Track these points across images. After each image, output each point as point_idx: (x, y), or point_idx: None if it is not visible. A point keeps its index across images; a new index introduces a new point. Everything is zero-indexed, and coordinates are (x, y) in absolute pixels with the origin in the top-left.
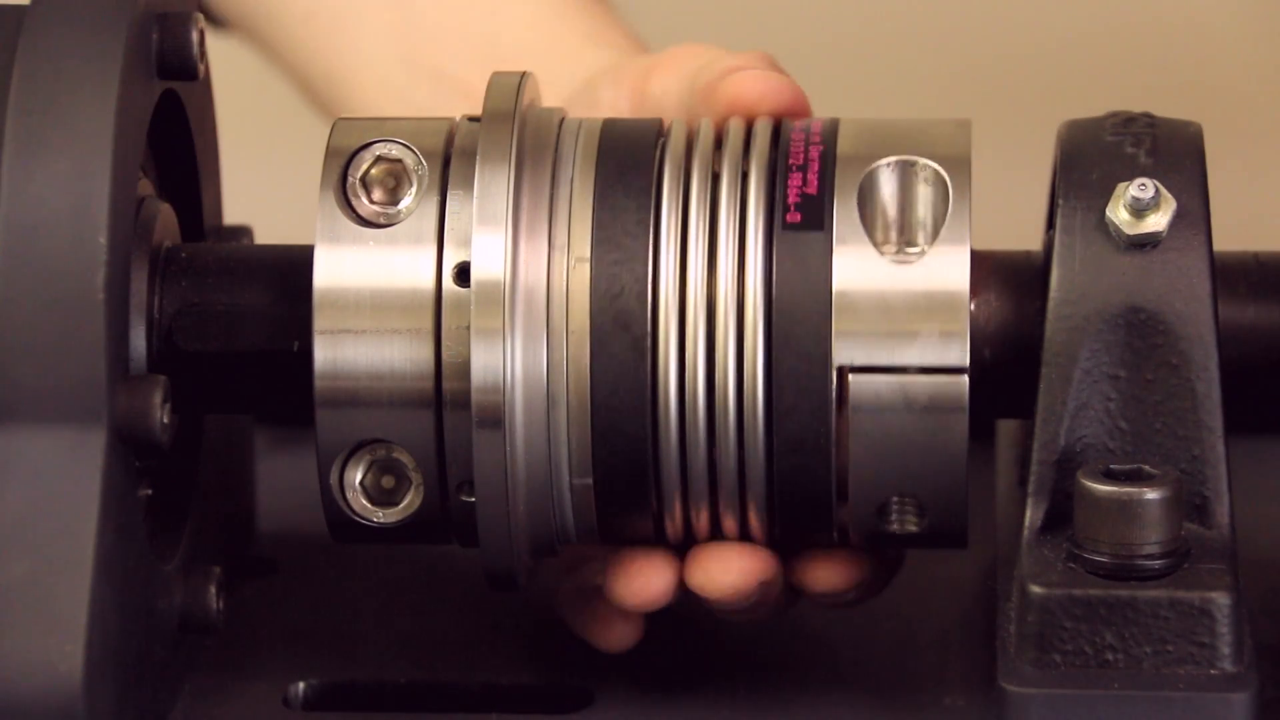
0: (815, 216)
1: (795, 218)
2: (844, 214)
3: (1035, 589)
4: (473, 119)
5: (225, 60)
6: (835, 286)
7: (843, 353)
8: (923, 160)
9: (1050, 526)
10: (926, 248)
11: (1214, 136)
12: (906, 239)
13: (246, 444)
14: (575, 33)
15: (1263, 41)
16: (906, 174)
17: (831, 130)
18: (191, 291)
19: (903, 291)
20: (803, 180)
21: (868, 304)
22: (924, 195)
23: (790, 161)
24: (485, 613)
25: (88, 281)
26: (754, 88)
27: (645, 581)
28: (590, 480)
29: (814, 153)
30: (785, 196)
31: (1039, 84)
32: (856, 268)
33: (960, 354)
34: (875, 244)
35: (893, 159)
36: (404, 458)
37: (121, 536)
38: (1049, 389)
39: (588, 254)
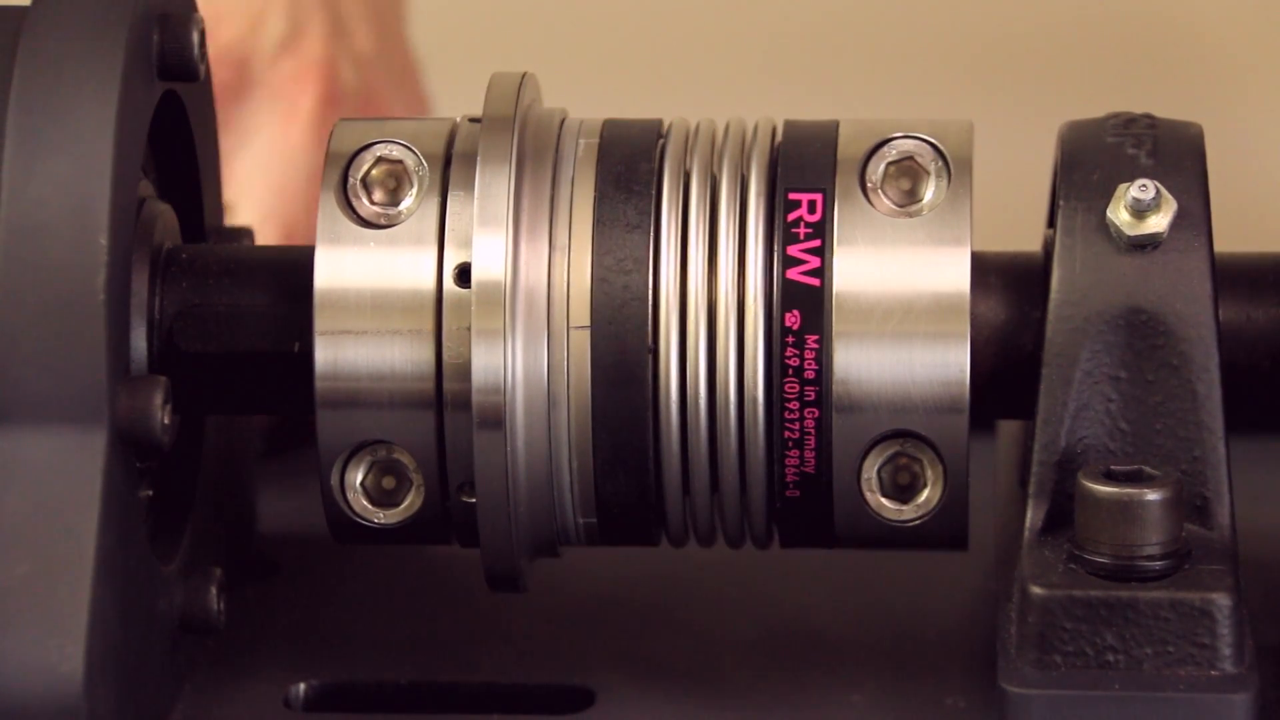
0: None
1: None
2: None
3: (1036, 590)
4: (473, 119)
5: None
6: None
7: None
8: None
9: (1051, 527)
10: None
11: (1214, 137)
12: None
13: (247, 445)
14: None
15: (1263, 41)
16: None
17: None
18: (192, 292)
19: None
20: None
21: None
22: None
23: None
24: (486, 613)
25: (88, 282)
26: None
27: None
28: (591, 481)
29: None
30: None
31: (1039, 84)
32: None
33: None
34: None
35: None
36: (405, 458)
37: (122, 537)
38: (1049, 390)
39: (588, 255)
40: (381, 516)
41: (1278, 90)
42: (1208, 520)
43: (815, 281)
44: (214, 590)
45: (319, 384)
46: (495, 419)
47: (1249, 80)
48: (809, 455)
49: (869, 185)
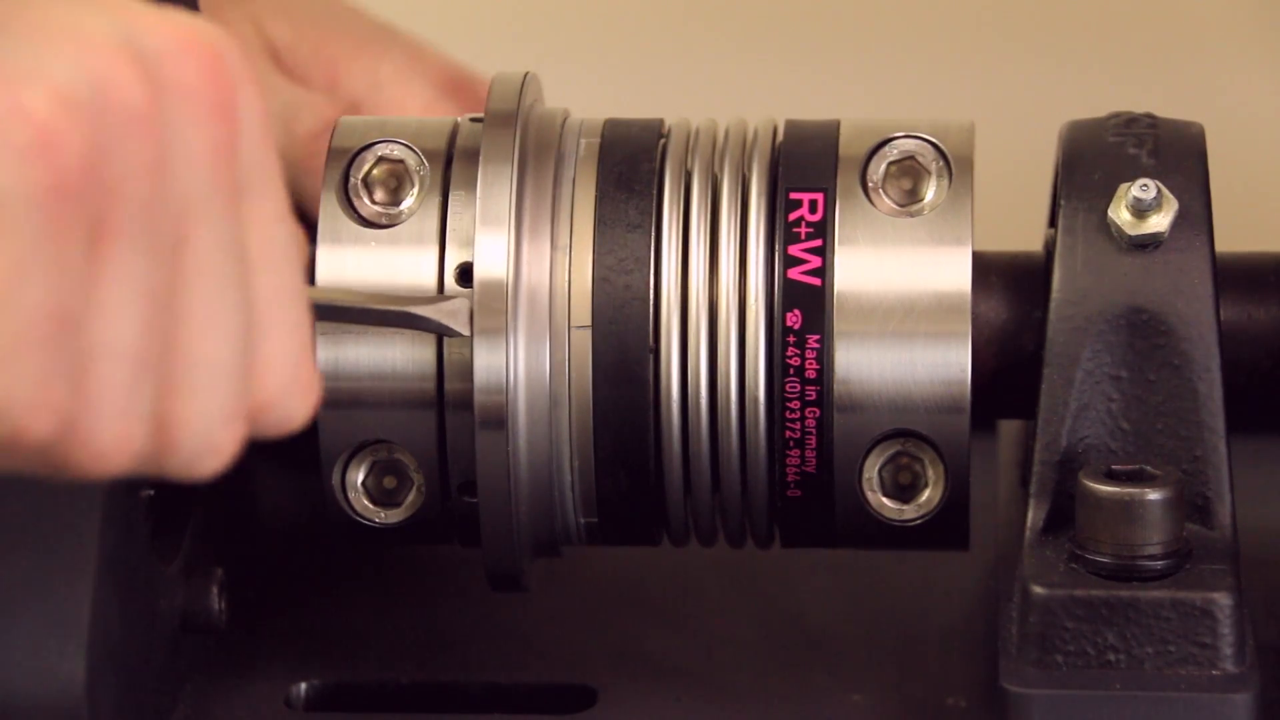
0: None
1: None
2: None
3: (1037, 589)
4: (475, 119)
5: None
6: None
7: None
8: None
9: (1052, 527)
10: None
11: (1215, 137)
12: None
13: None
14: None
15: (1263, 40)
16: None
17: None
18: None
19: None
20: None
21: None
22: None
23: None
24: (487, 612)
25: None
26: None
27: None
28: (592, 480)
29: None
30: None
31: (1040, 84)
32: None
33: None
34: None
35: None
36: (406, 458)
37: (124, 537)
38: (1051, 389)
39: (590, 254)
40: (382, 516)
41: (1278, 90)
42: (1209, 520)
43: (816, 281)
44: (215, 590)
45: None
46: (497, 419)
47: (1249, 80)
48: (810, 455)
49: (870, 185)
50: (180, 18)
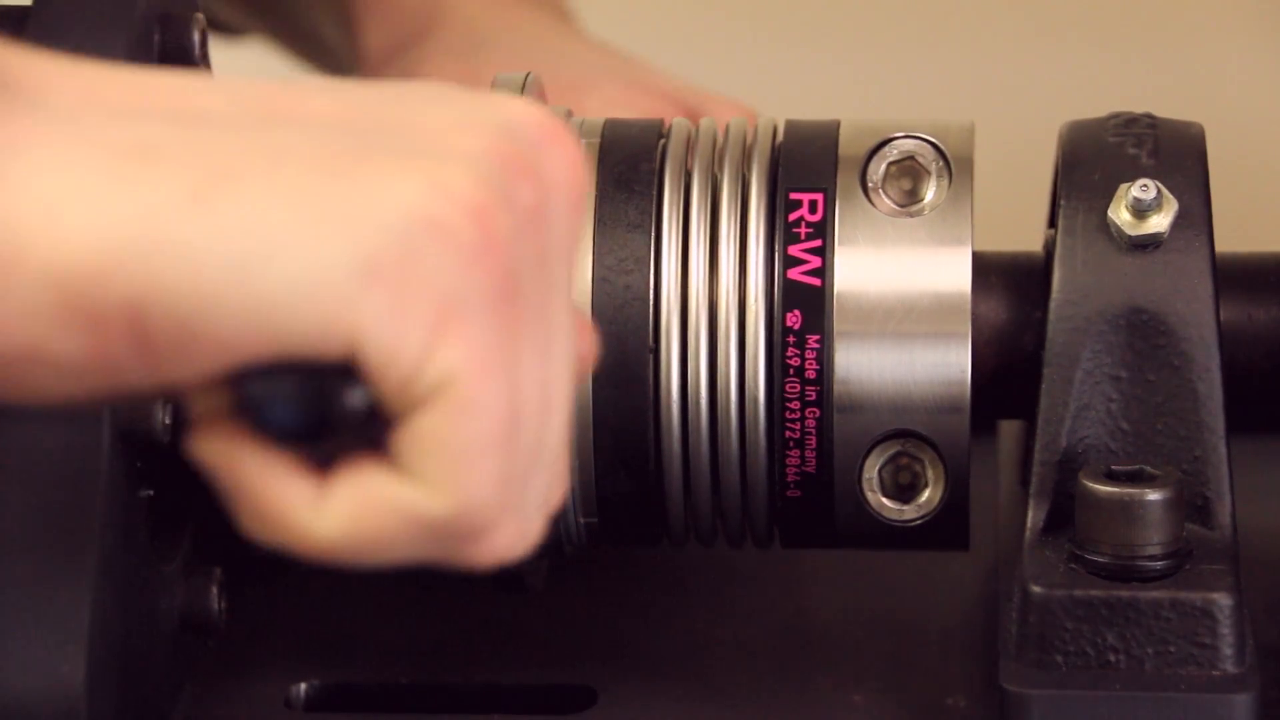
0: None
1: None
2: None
3: (1036, 590)
4: None
5: (226, 61)
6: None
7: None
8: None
9: (1052, 527)
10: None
11: (1215, 137)
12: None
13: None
14: None
15: (1263, 41)
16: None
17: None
18: None
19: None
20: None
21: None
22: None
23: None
24: (486, 613)
25: None
26: None
27: None
28: (592, 480)
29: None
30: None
31: (1040, 84)
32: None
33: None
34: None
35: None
36: None
37: (123, 537)
38: (1050, 390)
39: (590, 254)
40: None
41: (1278, 90)
42: (1209, 520)
43: (816, 281)
44: (215, 590)
45: None
46: None
47: (1249, 79)
48: (810, 455)
49: (870, 185)
50: (525, 104)
